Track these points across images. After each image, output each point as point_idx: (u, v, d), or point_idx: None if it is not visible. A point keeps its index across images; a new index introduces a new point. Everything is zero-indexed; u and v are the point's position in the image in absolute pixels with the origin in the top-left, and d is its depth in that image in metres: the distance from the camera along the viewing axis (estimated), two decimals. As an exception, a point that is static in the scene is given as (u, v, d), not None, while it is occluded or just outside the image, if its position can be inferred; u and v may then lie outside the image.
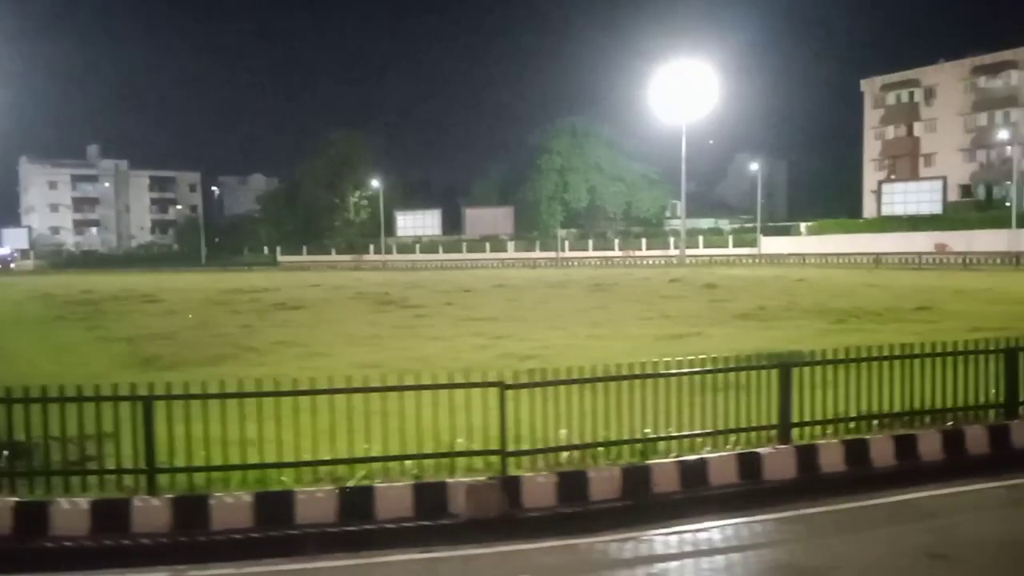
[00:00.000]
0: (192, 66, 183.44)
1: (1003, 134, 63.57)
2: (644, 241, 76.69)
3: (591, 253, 75.97)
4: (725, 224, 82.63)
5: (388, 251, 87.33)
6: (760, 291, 29.77)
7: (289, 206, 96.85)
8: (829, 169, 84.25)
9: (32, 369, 12.90)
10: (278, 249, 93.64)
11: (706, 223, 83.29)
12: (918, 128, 71.76)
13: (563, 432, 7.44)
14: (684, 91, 63.43)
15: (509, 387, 7.29)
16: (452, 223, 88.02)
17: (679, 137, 64.59)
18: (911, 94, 71.93)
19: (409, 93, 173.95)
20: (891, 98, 73.16)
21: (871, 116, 75.43)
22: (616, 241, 77.87)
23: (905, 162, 71.59)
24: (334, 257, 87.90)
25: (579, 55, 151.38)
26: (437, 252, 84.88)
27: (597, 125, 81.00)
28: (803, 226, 73.47)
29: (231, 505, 6.47)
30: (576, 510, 6.89)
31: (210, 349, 15.36)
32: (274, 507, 6.50)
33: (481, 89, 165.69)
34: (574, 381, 7.56)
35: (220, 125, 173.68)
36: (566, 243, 79.27)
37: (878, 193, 66.55)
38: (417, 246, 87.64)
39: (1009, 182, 63.16)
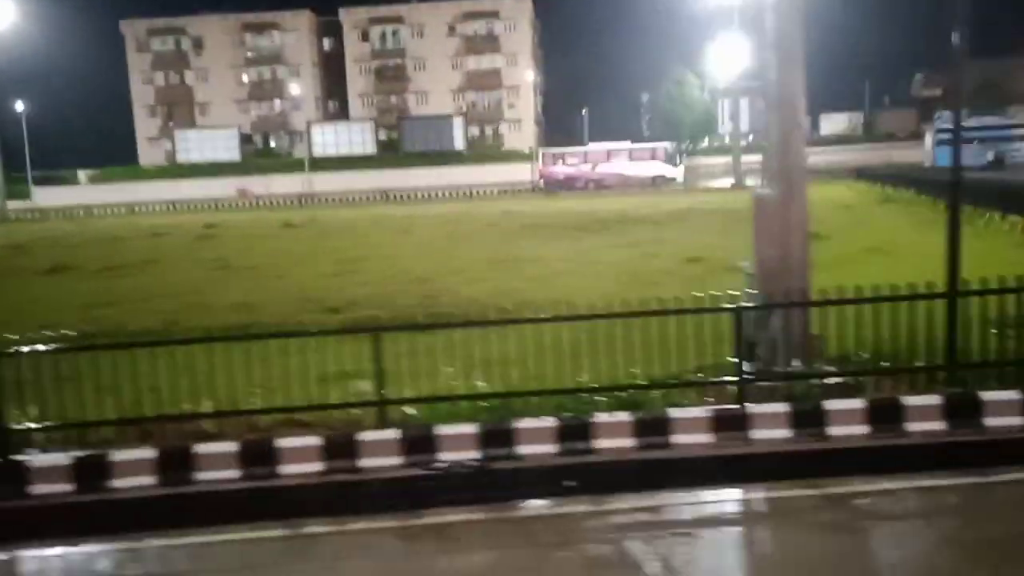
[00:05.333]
0: None
1: (276, 88, 71.16)
2: None
3: None
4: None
5: None
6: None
7: None
8: (94, 114, 78.89)
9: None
10: None
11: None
12: (190, 77, 73.48)
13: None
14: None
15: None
16: None
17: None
18: (178, 42, 72.82)
19: None
20: (157, 44, 72.70)
21: (138, 60, 73.54)
22: None
23: (183, 110, 72.84)
24: None
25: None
26: None
27: None
28: (82, 174, 68.37)
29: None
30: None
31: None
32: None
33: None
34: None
35: None
36: None
37: (172, 140, 66.73)
38: None
39: (284, 132, 71.77)
